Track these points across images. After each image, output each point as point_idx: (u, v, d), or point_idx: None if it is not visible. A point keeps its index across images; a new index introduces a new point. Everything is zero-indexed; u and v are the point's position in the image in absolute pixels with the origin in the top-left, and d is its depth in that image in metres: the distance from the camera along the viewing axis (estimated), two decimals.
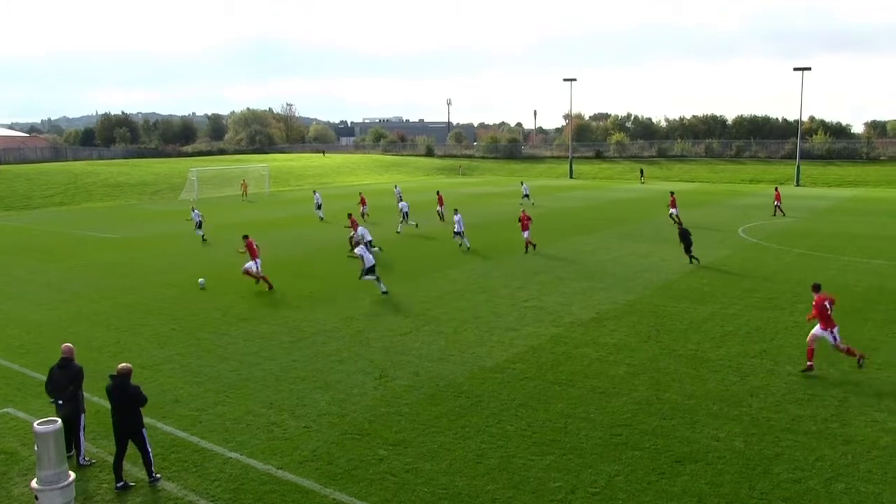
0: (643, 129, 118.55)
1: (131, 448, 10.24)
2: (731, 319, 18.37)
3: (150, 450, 10.24)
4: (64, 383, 10.79)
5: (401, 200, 39.46)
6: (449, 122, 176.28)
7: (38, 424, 8.69)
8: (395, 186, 53.36)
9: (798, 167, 72.37)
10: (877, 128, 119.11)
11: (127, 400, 10.06)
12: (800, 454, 10.77)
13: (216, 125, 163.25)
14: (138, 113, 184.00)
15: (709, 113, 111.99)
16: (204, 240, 34.33)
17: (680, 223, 28.11)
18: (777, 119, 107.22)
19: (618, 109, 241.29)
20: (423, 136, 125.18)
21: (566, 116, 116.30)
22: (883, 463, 10.45)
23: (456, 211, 31.56)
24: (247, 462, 10.79)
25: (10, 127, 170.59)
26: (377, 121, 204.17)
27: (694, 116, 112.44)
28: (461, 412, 12.57)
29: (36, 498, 8.60)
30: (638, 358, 15.44)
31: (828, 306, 14.28)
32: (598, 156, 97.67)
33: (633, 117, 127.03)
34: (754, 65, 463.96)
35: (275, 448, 11.23)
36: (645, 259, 27.44)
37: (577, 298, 21.02)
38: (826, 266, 25.72)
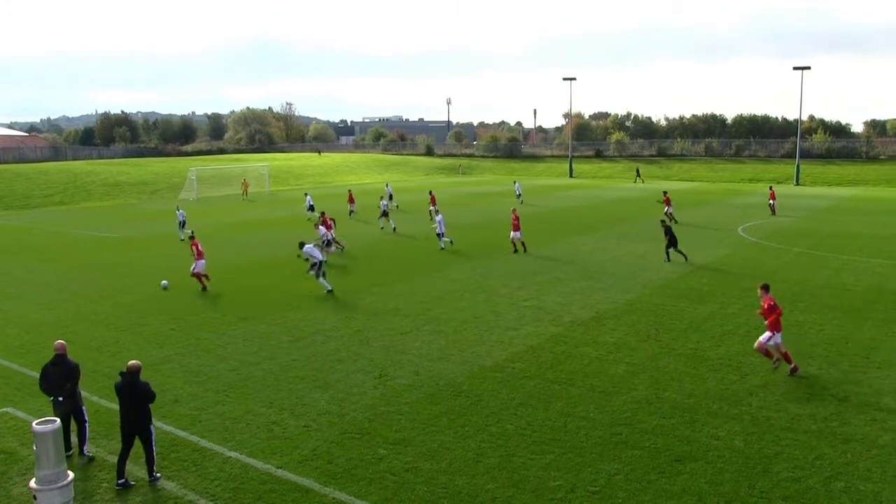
0: (643, 129, 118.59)
1: (134, 446, 10.23)
2: (731, 318, 18.37)
3: (154, 448, 10.26)
4: (60, 380, 10.82)
5: (382, 199, 39.84)
6: (449, 122, 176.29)
7: (36, 424, 8.68)
8: (387, 185, 53.60)
9: (798, 166, 72.41)
10: (876, 127, 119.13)
11: (137, 397, 10.08)
12: (799, 453, 10.77)
13: (216, 124, 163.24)
14: (138, 112, 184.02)
15: (708, 112, 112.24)
16: (182, 240, 34.43)
17: (665, 221, 28.28)
18: (777, 118, 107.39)
19: (618, 109, 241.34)
20: (422, 136, 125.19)
21: (566, 115, 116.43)
22: (882, 462, 10.45)
23: (437, 211, 32.01)
24: (246, 461, 10.79)
25: (10, 126, 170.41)
26: (377, 120, 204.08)
27: (694, 116, 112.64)
28: (461, 411, 12.57)
29: (35, 498, 8.58)
30: (637, 357, 15.44)
31: (778, 308, 14.12)
32: (598, 155, 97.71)
33: (632, 116, 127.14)
34: (754, 64, 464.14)
35: (274, 447, 11.23)
36: (644, 258, 27.43)
37: (577, 298, 21.02)
38: (825, 265, 25.72)
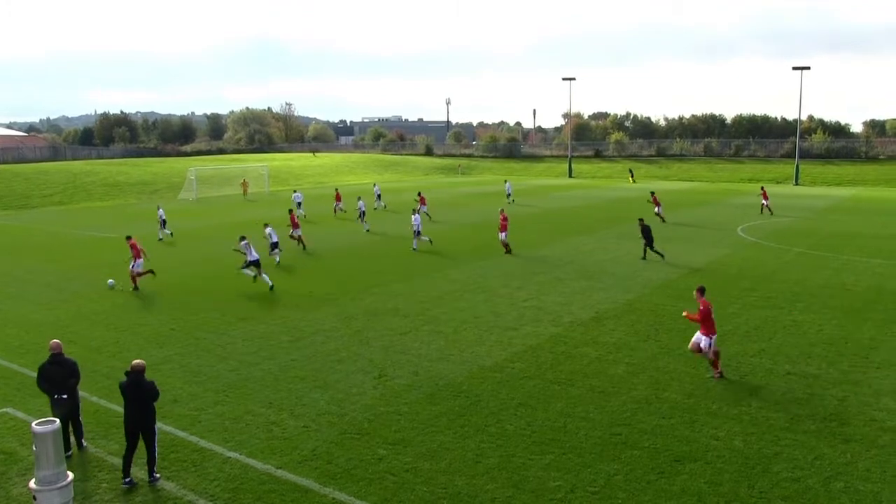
0: (642, 129, 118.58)
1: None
2: (730, 319, 18.37)
3: (156, 447, 10.28)
4: (61, 379, 10.90)
5: (360, 199, 39.97)
6: (448, 122, 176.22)
7: (36, 425, 8.68)
8: (375, 185, 53.80)
9: (797, 166, 72.41)
10: (875, 127, 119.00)
11: (142, 396, 10.10)
12: (799, 453, 10.78)
13: (215, 125, 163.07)
14: (137, 112, 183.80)
15: (708, 112, 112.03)
16: (160, 240, 34.50)
17: (643, 220, 28.40)
18: (776, 118, 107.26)
19: (617, 109, 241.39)
20: (422, 136, 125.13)
21: (565, 116, 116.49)
22: (882, 462, 10.46)
23: (414, 211, 32.21)
24: (246, 461, 10.79)
25: (9, 126, 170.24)
26: (376, 120, 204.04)
27: (693, 116, 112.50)
28: (460, 411, 12.57)
29: (34, 498, 8.58)
30: (637, 357, 15.44)
31: (711, 311, 13.95)
32: (598, 155, 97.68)
33: (632, 116, 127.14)
34: (754, 64, 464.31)
35: (274, 447, 11.23)
36: (644, 258, 27.41)
37: (577, 298, 21.02)
38: (825, 265, 25.73)
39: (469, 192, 62.22)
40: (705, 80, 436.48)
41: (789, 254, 28.40)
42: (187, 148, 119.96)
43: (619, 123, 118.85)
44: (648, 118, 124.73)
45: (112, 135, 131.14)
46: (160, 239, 34.70)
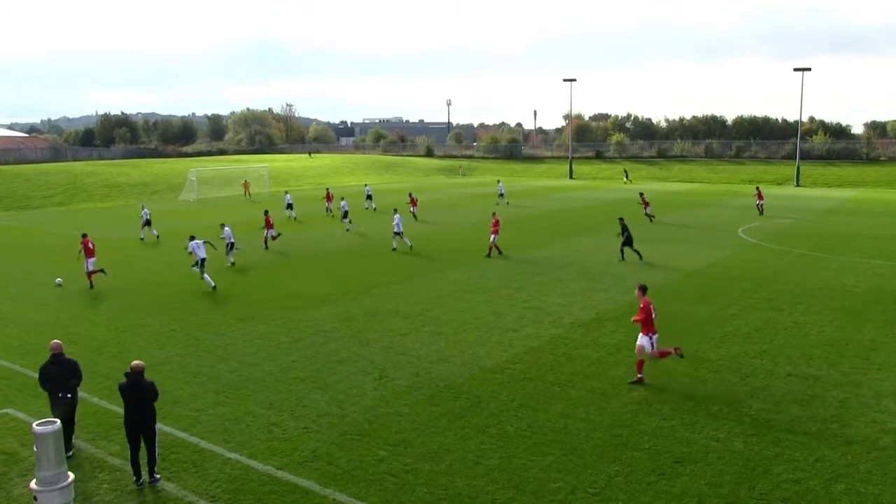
0: (643, 130, 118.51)
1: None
2: (731, 320, 18.37)
3: (157, 448, 10.29)
4: (62, 380, 10.96)
5: (343, 200, 40.15)
6: (449, 123, 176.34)
7: (37, 425, 8.68)
8: (366, 186, 53.93)
9: (798, 168, 72.43)
10: (876, 128, 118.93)
11: (142, 397, 10.11)
12: (800, 455, 10.77)
13: (216, 125, 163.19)
14: (138, 113, 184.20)
15: (709, 113, 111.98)
16: (142, 239, 34.60)
17: (623, 219, 28.56)
18: (777, 119, 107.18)
19: (618, 110, 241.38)
20: (422, 137, 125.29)
21: (566, 117, 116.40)
22: (883, 464, 10.45)
23: (395, 210, 32.19)
24: (247, 462, 10.79)
25: (10, 127, 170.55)
26: (377, 121, 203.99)
27: (694, 117, 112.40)
28: (461, 413, 12.57)
29: (35, 499, 8.59)
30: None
31: (654, 311, 13.71)
32: (598, 156, 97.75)
33: (632, 117, 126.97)
34: (754, 65, 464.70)
35: (274, 448, 11.23)
36: (644, 259, 27.41)
37: (577, 299, 21.02)
38: (826, 266, 25.72)
39: (469, 193, 62.21)
40: (705, 81, 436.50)
41: (790, 255, 28.39)
42: (188, 149, 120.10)
43: (619, 125, 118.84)
44: (649, 119, 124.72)
45: (113, 136, 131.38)
46: (142, 238, 34.79)
